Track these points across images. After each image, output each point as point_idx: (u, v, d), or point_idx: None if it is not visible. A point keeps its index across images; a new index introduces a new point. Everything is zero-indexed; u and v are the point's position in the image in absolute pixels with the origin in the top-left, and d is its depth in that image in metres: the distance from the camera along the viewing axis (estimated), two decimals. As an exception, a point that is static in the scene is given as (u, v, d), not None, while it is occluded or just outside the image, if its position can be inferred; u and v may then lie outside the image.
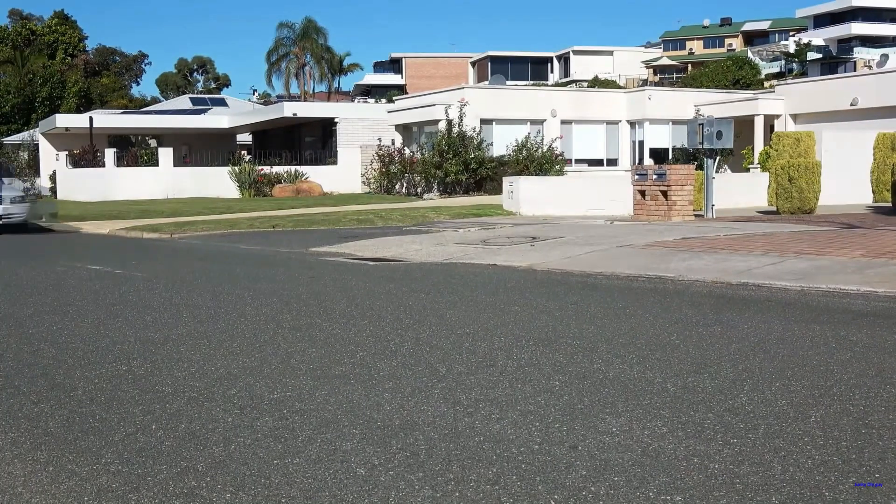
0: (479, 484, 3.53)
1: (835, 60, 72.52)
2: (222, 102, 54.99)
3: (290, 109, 37.90)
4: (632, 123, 34.35)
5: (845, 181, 22.95)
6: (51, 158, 39.27)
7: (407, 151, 32.75)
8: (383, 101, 49.65)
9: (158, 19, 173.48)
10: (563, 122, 33.35)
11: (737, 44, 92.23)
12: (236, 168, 34.76)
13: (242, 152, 44.14)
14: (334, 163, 36.51)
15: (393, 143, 33.86)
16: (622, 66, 79.38)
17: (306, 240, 16.05)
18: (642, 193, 18.08)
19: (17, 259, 13.58)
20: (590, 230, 15.32)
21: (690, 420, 4.34)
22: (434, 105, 31.95)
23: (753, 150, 31.78)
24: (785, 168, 19.62)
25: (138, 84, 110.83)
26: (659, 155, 33.05)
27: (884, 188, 22.73)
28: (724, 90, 42.00)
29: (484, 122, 31.59)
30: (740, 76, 58.05)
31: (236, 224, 20.12)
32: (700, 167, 20.24)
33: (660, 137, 33.84)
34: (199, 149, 41.08)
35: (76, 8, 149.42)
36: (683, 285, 9.42)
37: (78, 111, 53.35)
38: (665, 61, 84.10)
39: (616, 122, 34.45)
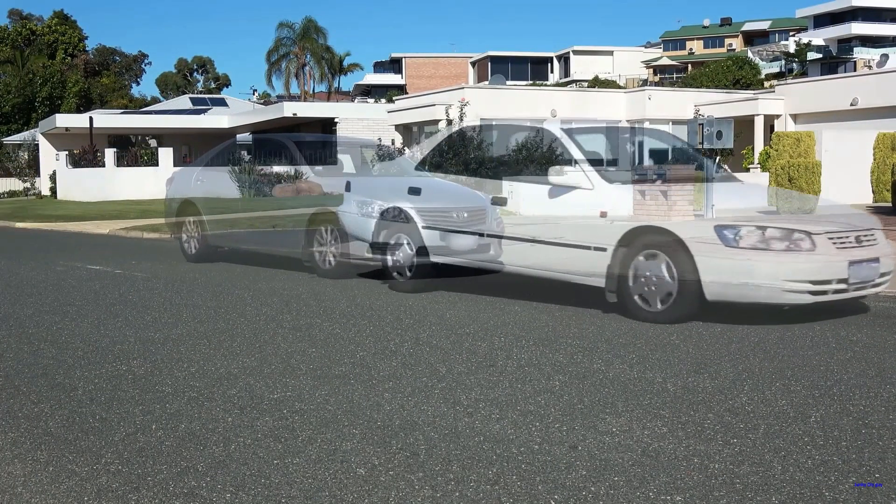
0: (479, 484, 3.53)
1: (835, 60, 72.49)
2: (222, 102, 54.94)
3: (290, 109, 37.87)
4: (632, 123, 34.37)
5: (845, 181, 22.94)
6: (51, 158, 39.23)
7: (407, 151, 32.75)
8: (383, 101, 49.63)
9: (158, 19, 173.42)
10: (563, 122, 33.36)
11: (737, 44, 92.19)
12: (236, 168, 34.73)
13: (242, 152, 44.06)
14: (334, 163, 36.49)
15: (393, 143, 33.86)
16: (622, 66, 79.35)
17: (298, 239, 15.98)
18: (642, 193, 18.08)
19: (17, 259, 13.58)
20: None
21: (690, 420, 4.34)
22: (434, 105, 31.96)
23: (753, 150, 31.79)
24: (785, 168, 19.62)
25: (138, 84, 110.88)
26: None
27: (884, 188, 22.73)
28: (724, 90, 41.99)
29: (484, 122, 31.58)
30: (740, 76, 58.01)
31: (236, 224, 20.08)
32: (700, 167, 20.23)
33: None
34: (199, 149, 41.02)
35: (76, 8, 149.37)
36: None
37: (78, 111, 53.33)
38: (665, 61, 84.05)
39: (616, 122, 34.46)
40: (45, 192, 39.50)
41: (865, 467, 3.65)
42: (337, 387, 5.07)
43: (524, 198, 8.24)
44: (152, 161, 36.89)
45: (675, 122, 32.99)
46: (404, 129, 35.13)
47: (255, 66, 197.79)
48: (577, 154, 8.60)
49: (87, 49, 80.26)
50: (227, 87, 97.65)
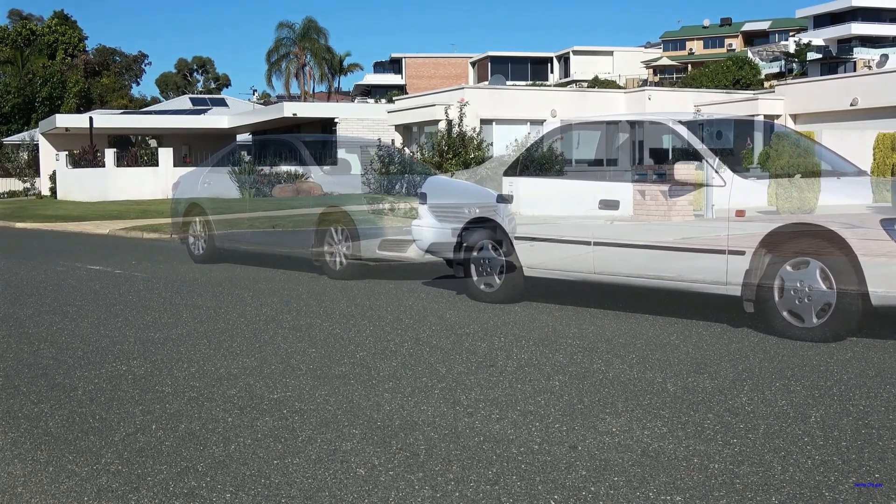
0: (479, 484, 3.53)
1: (835, 60, 72.49)
2: (222, 102, 54.94)
3: (289, 109, 37.87)
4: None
5: (845, 181, 22.94)
6: (51, 158, 39.23)
7: (407, 151, 32.78)
8: (383, 101, 49.63)
9: (158, 19, 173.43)
10: (563, 121, 33.36)
11: (737, 44, 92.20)
12: (236, 168, 34.74)
13: (242, 152, 44.06)
14: (334, 163, 36.50)
15: (393, 143, 33.88)
16: (622, 66, 79.36)
17: (306, 239, 16.00)
18: (642, 194, 18.09)
19: (17, 259, 13.58)
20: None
21: (690, 420, 4.34)
22: (434, 105, 31.96)
23: (753, 150, 31.79)
24: (785, 168, 19.63)
25: (138, 84, 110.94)
26: (659, 155, 33.04)
27: (883, 188, 22.73)
28: (724, 90, 42.00)
29: (484, 122, 31.59)
30: (740, 76, 58.01)
31: (236, 224, 20.09)
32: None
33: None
34: (199, 149, 41.06)
35: (76, 8, 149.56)
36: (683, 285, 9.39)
37: (78, 111, 53.31)
38: (665, 61, 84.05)
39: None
40: (45, 192, 39.51)
41: (865, 467, 3.65)
42: (337, 387, 5.07)
43: (631, 200, 7.82)
44: (152, 161, 36.89)
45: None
46: (404, 129, 35.14)
47: (255, 66, 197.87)
48: (701, 148, 7.83)
49: (87, 49, 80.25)
50: (227, 87, 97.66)
